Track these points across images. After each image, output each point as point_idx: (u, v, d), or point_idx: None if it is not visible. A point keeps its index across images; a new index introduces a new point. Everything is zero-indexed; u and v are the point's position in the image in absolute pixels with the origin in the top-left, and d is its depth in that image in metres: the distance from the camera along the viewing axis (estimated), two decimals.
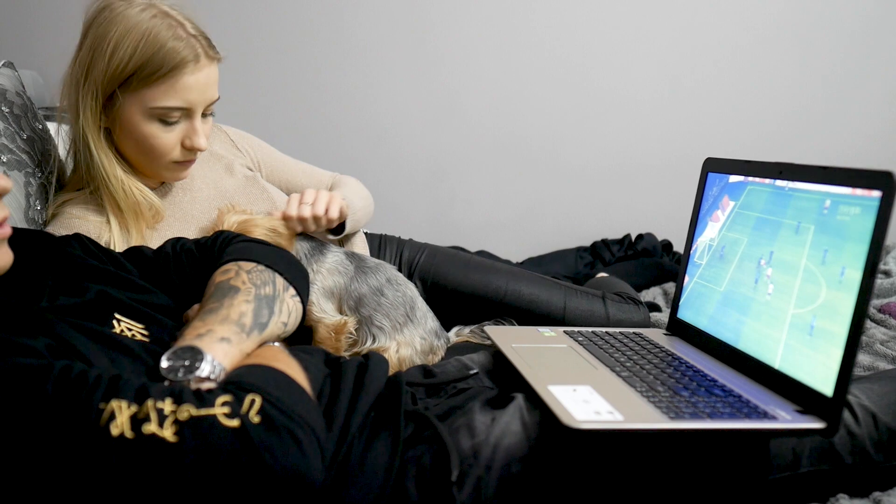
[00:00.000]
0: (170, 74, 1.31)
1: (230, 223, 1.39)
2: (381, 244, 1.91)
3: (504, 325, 1.71)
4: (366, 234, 1.90)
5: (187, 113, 1.38)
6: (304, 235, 1.50)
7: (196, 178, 1.57)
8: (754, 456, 1.04)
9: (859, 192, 1.02)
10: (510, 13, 2.66)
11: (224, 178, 1.60)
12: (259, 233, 1.38)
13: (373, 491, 0.94)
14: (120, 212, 1.42)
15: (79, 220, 1.41)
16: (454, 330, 1.71)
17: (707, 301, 1.33)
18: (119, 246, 1.39)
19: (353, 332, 1.49)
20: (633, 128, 2.79)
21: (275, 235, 1.41)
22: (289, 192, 1.73)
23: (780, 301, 1.13)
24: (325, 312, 1.45)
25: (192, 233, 1.51)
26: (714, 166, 1.41)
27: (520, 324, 1.73)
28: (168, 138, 1.38)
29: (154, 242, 1.45)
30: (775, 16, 2.69)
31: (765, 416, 0.99)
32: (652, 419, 0.97)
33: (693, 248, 1.42)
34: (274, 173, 1.75)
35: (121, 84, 1.32)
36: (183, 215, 1.53)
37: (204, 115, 1.42)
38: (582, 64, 2.73)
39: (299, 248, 1.47)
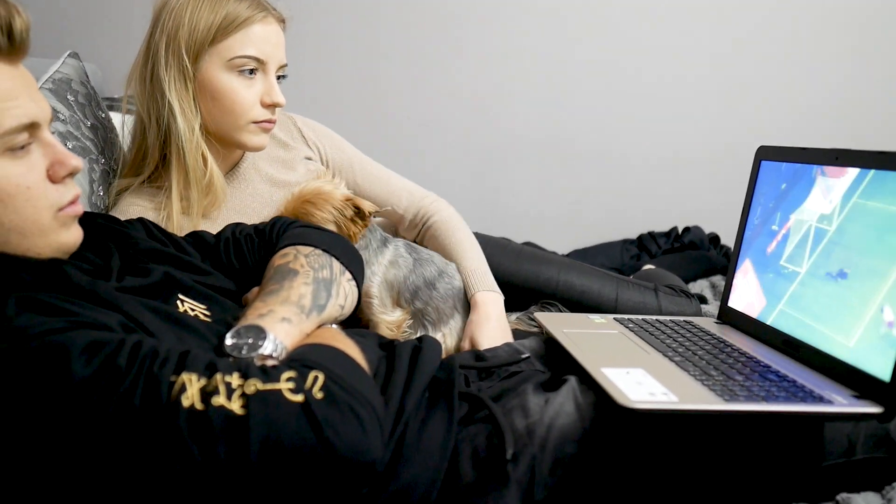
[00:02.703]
0: (244, 24, 1.39)
1: (310, 187, 1.41)
2: None
3: (551, 310, 1.72)
4: None
5: (263, 67, 1.43)
6: (374, 227, 1.50)
7: (257, 172, 1.60)
8: (808, 441, 1.03)
9: None
10: (557, 6, 2.66)
11: (284, 174, 1.62)
12: (329, 210, 1.39)
13: (428, 469, 0.96)
14: (185, 188, 1.44)
15: (136, 208, 1.45)
16: None
17: (759, 289, 1.32)
18: (175, 227, 1.43)
19: (408, 328, 1.51)
20: (680, 119, 2.77)
21: (342, 219, 1.41)
22: (357, 190, 1.69)
23: (842, 289, 1.12)
24: (386, 308, 1.47)
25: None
26: (768, 154, 1.40)
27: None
28: (248, 94, 1.43)
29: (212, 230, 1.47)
30: (822, 8, 2.65)
31: (820, 399, 0.99)
32: (707, 401, 0.97)
33: (745, 236, 1.41)
34: (342, 173, 1.71)
35: (203, 41, 1.39)
36: (241, 207, 1.55)
37: (278, 79, 1.47)
38: (628, 56, 2.72)
39: (371, 239, 1.48)
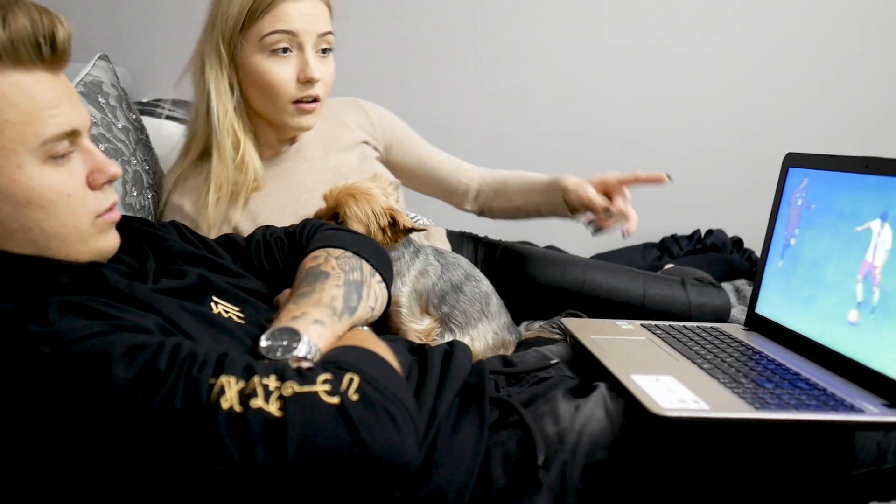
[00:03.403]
0: (272, 4, 1.41)
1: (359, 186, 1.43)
2: (461, 241, 1.93)
3: (577, 317, 1.72)
4: (447, 231, 1.93)
5: (297, 43, 1.45)
6: (408, 241, 1.51)
7: (316, 150, 1.64)
8: (839, 449, 1.03)
9: None
10: (582, 8, 2.66)
11: (341, 154, 1.65)
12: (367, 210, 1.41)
13: (460, 473, 0.97)
14: (225, 167, 1.49)
15: (191, 191, 1.52)
16: (524, 325, 1.71)
17: (788, 296, 1.32)
18: (219, 208, 1.50)
19: (437, 335, 1.52)
20: (705, 122, 2.76)
21: (374, 227, 1.42)
22: (424, 175, 1.81)
23: (873, 297, 1.12)
24: (415, 316, 1.48)
25: (301, 202, 1.57)
26: (795, 161, 1.40)
27: (599, 313, 1.71)
28: (283, 73, 1.45)
29: (269, 209, 1.54)
30: (852, 9, 2.64)
31: (851, 408, 0.99)
32: (738, 409, 0.97)
33: (772, 243, 1.41)
34: (407, 154, 1.79)
35: (235, 27, 1.43)
36: (296, 184, 1.59)
37: (323, 52, 1.50)
38: (651, 59, 2.71)
39: (404, 251, 1.48)
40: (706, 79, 2.73)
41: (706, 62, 2.71)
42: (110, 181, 0.99)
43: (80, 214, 0.95)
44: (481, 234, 1.99)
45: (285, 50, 1.44)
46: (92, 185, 0.97)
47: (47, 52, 0.90)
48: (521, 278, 1.75)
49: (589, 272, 1.78)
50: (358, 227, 1.40)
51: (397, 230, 1.44)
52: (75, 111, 0.94)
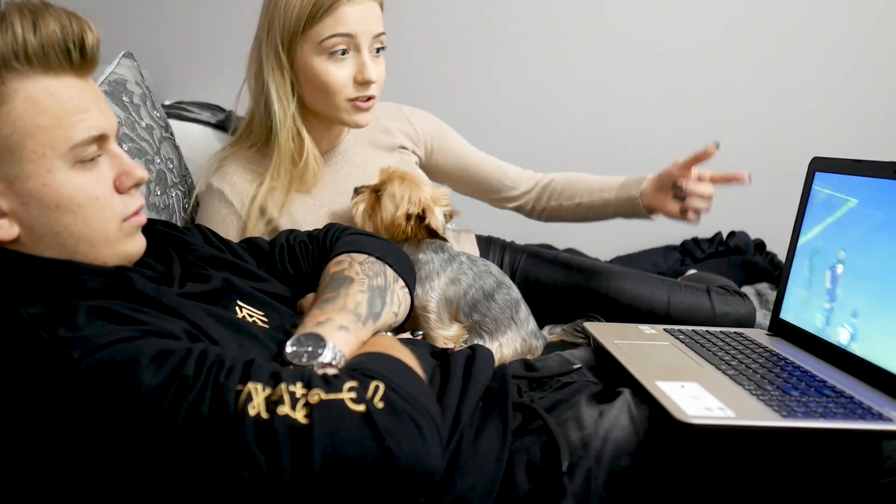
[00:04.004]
0: (332, 8, 1.43)
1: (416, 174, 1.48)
2: (488, 246, 1.94)
3: (598, 321, 1.71)
4: (476, 235, 1.93)
5: (354, 45, 1.47)
6: (441, 247, 1.52)
7: (355, 153, 1.67)
8: (865, 457, 1.02)
9: None
10: (606, 14, 2.65)
11: (381, 158, 1.68)
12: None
13: (484, 479, 0.97)
14: (283, 165, 1.52)
15: (235, 178, 1.55)
16: (546, 328, 1.72)
17: (813, 302, 1.31)
18: (269, 203, 1.53)
19: (464, 342, 1.52)
20: (728, 125, 2.74)
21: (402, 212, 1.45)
22: (465, 176, 1.85)
23: None
24: (443, 322, 1.49)
25: (338, 203, 1.60)
26: (821, 165, 1.39)
27: (623, 321, 1.72)
28: (341, 74, 1.47)
29: (308, 207, 1.57)
30: (881, 12, 2.61)
31: (879, 417, 0.98)
32: (764, 417, 0.97)
33: (797, 248, 1.40)
34: (448, 157, 1.82)
35: (295, 31, 1.45)
36: (337, 186, 1.61)
37: (377, 52, 1.52)
38: (673, 61, 2.70)
39: (435, 257, 1.49)
40: (728, 80, 2.70)
41: (728, 63, 2.69)
42: (137, 185, 1.00)
43: (107, 218, 0.96)
44: (508, 239, 1.99)
45: (343, 52, 1.46)
46: (119, 189, 0.97)
47: (77, 58, 0.91)
48: (543, 282, 1.75)
49: (613, 279, 1.78)
50: (388, 205, 1.45)
51: (421, 226, 1.45)
52: (103, 115, 0.95)
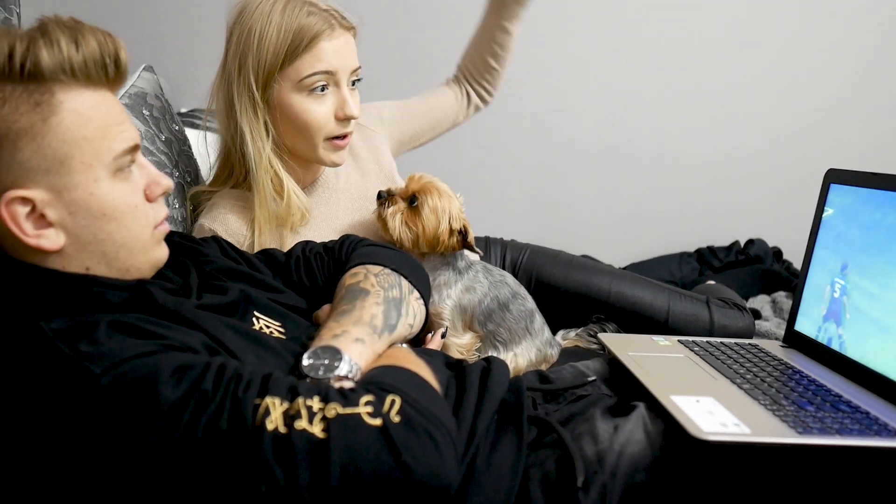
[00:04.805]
0: (311, 45, 1.40)
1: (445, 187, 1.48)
2: (486, 246, 1.94)
3: (608, 327, 1.72)
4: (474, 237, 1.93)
5: (333, 80, 1.44)
6: (462, 254, 1.53)
7: (339, 180, 1.64)
8: (883, 476, 1.02)
9: None
10: (620, 17, 2.65)
11: (364, 174, 1.67)
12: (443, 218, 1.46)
13: (499, 493, 0.97)
14: (266, 207, 1.46)
15: (226, 215, 1.47)
16: (560, 333, 1.73)
17: (828, 314, 1.31)
18: (260, 244, 1.46)
19: (476, 351, 1.52)
20: (745, 133, 2.73)
21: (444, 237, 1.46)
22: (427, 126, 1.87)
23: None
24: (457, 331, 1.49)
25: (334, 234, 1.56)
26: (837, 177, 1.39)
27: (621, 324, 1.74)
28: (321, 111, 1.44)
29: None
30: None
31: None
32: (779, 433, 0.97)
33: (812, 259, 1.39)
34: (407, 125, 1.84)
35: (272, 69, 1.40)
36: (328, 216, 1.58)
37: (353, 85, 1.49)
38: (690, 68, 2.69)
39: (452, 264, 1.50)
40: (746, 87, 2.70)
41: (744, 74, 2.69)
42: (164, 194, 1.03)
43: (144, 225, 0.99)
44: (507, 238, 2.00)
45: (323, 87, 1.43)
46: (149, 198, 1.00)
47: (112, 72, 0.94)
48: (545, 281, 1.75)
49: (615, 283, 1.79)
50: (430, 217, 1.44)
51: (459, 240, 1.47)
52: (133, 128, 0.98)
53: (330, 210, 1.59)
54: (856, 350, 1.22)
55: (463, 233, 1.47)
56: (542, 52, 2.68)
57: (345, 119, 1.46)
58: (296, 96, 1.42)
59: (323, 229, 1.56)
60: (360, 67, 1.48)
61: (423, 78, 1.98)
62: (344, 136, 1.49)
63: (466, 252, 1.52)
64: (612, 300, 1.77)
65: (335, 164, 1.53)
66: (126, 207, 0.95)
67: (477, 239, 1.92)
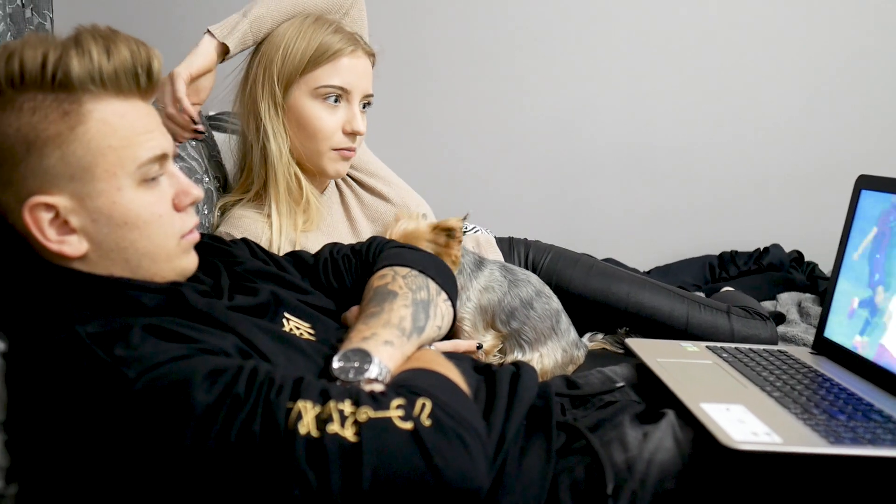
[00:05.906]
0: (333, 57, 1.51)
1: (398, 231, 1.46)
2: (510, 247, 1.94)
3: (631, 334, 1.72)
4: (496, 238, 1.93)
5: (346, 97, 1.53)
6: (467, 249, 1.53)
7: (338, 195, 1.72)
8: None
9: None
10: (643, 20, 2.64)
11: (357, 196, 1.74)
12: (424, 245, 1.42)
13: (529, 499, 0.97)
14: (283, 206, 1.54)
15: (245, 220, 1.54)
16: (587, 336, 1.73)
17: (858, 321, 1.30)
18: (278, 242, 1.53)
19: (499, 352, 1.52)
20: (770, 138, 2.71)
21: (438, 248, 1.44)
22: None
23: None
24: (478, 331, 1.49)
25: (356, 235, 1.64)
26: (869, 184, 1.37)
27: (639, 335, 1.73)
28: (331, 120, 1.53)
29: (306, 247, 1.55)
30: None
31: None
32: (811, 443, 0.96)
33: (842, 266, 1.38)
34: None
35: (294, 72, 1.50)
36: (344, 219, 1.66)
37: (363, 108, 1.57)
38: (715, 73, 2.68)
39: (465, 264, 1.50)
40: (772, 94, 2.68)
41: (773, 82, 2.67)
42: (193, 203, 1.03)
43: (168, 235, 0.99)
44: (531, 238, 2.00)
45: (336, 99, 1.51)
46: (177, 207, 1.00)
47: (144, 82, 0.95)
48: (565, 286, 1.76)
49: (634, 291, 1.79)
50: (456, 249, 1.44)
51: (454, 234, 1.44)
52: (164, 136, 0.98)
53: (343, 213, 1.68)
54: (885, 357, 1.21)
55: (448, 232, 1.44)
56: (565, 55, 2.68)
57: (352, 133, 1.54)
58: (310, 101, 1.52)
59: (343, 230, 1.64)
60: (372, 95, 1.57)
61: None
62: (350, 150, 1.56)
63: (468, 245, 1.52)
64: (630, 309, 1.77)
65: (339, 174, 1.61)
66: (150, 217, 0.96)
67: (500, 240, 1.93)
